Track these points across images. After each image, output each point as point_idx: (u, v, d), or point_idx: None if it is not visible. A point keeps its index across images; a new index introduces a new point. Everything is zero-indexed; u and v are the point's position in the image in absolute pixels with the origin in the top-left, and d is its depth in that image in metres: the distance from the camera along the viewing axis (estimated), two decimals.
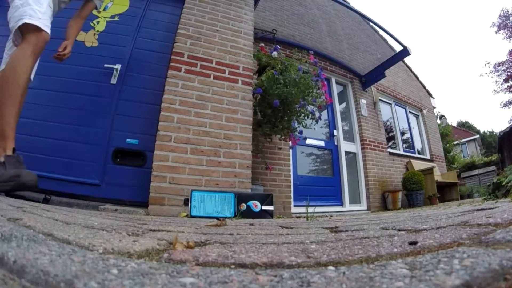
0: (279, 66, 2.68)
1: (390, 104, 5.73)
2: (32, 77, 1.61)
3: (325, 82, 3.12)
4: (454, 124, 27.07)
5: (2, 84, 1.34)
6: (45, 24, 1.45)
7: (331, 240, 0.48)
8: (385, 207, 4.39)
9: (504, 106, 16.49)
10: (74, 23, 1.94)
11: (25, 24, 1.38)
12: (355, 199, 4.30)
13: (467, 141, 22.22)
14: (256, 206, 1.35)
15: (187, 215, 1.24)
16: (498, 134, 11.11)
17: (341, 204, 4.11)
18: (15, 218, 0.52)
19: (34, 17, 1.41)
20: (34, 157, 2.02)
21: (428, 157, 6.01)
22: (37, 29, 1.41)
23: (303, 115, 2.77)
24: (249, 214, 1.34)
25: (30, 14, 1.40)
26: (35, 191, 1.90)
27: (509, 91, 16.04)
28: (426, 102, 6.73)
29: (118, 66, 2.29)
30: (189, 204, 1.26)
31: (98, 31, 2.41)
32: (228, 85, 2.37)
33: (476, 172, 11.17)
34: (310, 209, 1.23)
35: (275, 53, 2.82)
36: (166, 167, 1.96)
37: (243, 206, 1.34)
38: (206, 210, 1.27)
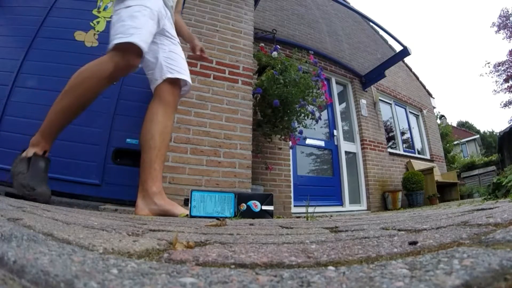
0: (279, 66, 2.68)
1: (390, 104, 5.74)
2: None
3: (325, 82, 3.13)
4: (454, 124, 27.06)
5: (68, 89, 1.22)
6: (141, 39, 1.20)
7: (331, 240, 0.48)
8: (385, 207, 4.39)
9: (504, 106, 16.51)
10: (178, 20, 1.76)
11: (115, 45, 1.20)
12: (355, 199, 4.30)
13: (467, 141, 22.22)
14: (256, 206, 1.35)
15: (187, 215, 1.24)
16: (498, 134, 11.10)
17: (341, 204, 4.11)
18: (15, 218, 0.52)
19: (125, 34, 1.19)
20: None
21: (428, 157, 6.01)
22: (125, 49, 1.19)
23: (303, 115, 2.77)
24: (249, 214, 1.34)
25: (121, 32, 1.20)
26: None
27: (509, 91, 16.05)
28: (426, 102, 6.74)
29: None
30: (189, 204, 1.26)
31: (98, 31, 2.41)
32: (228, 85, 2.37)
33: (476, 172, 11.17)
34: (310, 209, 1.23)
35: (275, 53, 2.82)
36: (166, 167, 1.96)
37: (243, 206, 1.34)
38: (206, 210, 1.27)
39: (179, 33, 1.78)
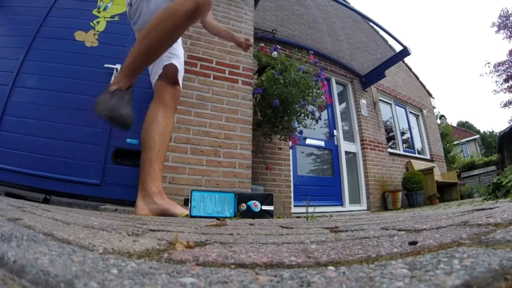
0: (279, 66, 2.68)
1: (390, 104, 5.73)
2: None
3: (325, 82, 3.13)
4: (454, 124, 27.06)
5: (148, 30, 1.16)
6: None
7: (331, 240, 0.48)
8: (385, 207, 4.39)
9: (504, 106, 16.50)
10: (212, 21, 1.79)
11: None
12: (355, 199, 4.30)
13: (467, 141, 22.21)
14: (256, 206, 1.35)
15: (187, 215, 1.24)
16: (498, 134, 11.10)
17: (341, 204, 4.11)
18: (15, 218, 0.52)
19: None
20: (34, 157, 2.02)
21: (428, 157, 6.01)
22: None
23: (303, 115, 2.77)
24: (249, 214, 1.34)
25: None
26: (36, 191, 1.90)
27: (509, 91, 16.05)
28: (426, 102, 6.74)
29: (118, 66, 2.29)
30: (189, 204, 1.26)
31: (98, 31, 2.41)
32: (228, 85, 2.37)
33: (476, 172, 11.17)
34: (310, 209, 1.23)
35: (275, 53, 2.82)
36: (166, 167, 1.96)
37: (243, 206, 1.34)
38: (206, 210, 1.27)
39: (217, 33, 1.81)
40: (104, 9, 2.50)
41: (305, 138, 3.24)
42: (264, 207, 1.37)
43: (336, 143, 4.37)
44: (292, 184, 3.47)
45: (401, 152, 5.39)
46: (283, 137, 2.91)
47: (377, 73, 4.75)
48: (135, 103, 2.26)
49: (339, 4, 4.17)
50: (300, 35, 4.35)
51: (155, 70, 1.47)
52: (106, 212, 1.54)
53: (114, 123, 1.14)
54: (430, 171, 4.83)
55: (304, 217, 1.21)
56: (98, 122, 2.17)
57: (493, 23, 16.37)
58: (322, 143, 4.26)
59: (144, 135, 1.36)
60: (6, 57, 2.25)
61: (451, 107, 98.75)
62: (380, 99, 5.29)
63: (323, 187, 4.07)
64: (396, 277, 0.22)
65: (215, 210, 1.29)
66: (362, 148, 4.53)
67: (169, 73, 1.44)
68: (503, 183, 2.73)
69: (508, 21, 15.79)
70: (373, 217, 1.28)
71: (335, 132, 4.41)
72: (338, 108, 4.62)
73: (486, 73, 20.95)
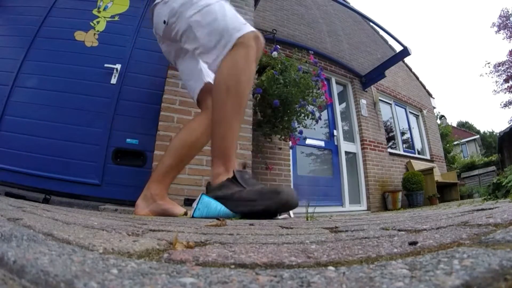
0: (279, 66, 2.68)
1: (390, 104, 5.73)
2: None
3: (325, 82, 3.13)
4: (454, 124, 27.08)
5: (224, 99, 1.12)
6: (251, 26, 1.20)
7: (331, 240, 0.48)
8: (385, 207, 4.39)
9: (504, 106, 16.51)
10: None
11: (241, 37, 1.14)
12: (355, 199, 4.30)
13: (467, 141, 22.23)
14: None
15: (185, 214, 1.24)
16: (498, 134, 11.10)
17: (341, 204, 4.11)
18: (15, 218, 0.52)
19: (243, 26, 1.16)
20: (34, 157, 2.02)
21: (428, 157, 6.01)
22: (252, 34, 1.17)
23: (303, 115, 2.77)
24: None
25: (238, 27, 1.16)
26: (36, 191, 1.90)
27: (509, 91, 16.05)
28: (426, 102, 6.74)
29: (118, 66, 2.29)
30: (195, 205, 1.26)
31: (98, 31, 2.41)
32: None
33: (476, 172, 11.19)
34: (310, 209, 1.23)
35: (275, 53, 2.82)
36: None
37: None
38: (208, 216, 1.27)
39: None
40: (104, 9, 2.50)
41: (305, 138, 3.24)
42: None
43: (336, 143, 4.37)
44: (292, 184, 3.47)
45: (401, 152, 5.39)
46: (283, 137, 2.91)
47: (377, 73, 4.75)
48: (136, 103, 2.27)
49: (339, 4, 4.18)
50: (300, 35, 4.35)
51: (195, 85, 1.43)
52: (106, 212, 1.54)
53: (281, 210, 1.08)
54: (430, 171, 4.83)
55: (304, 217, 1.21)
56: (98, 122, 2.18)
57: (493, 23, 16.39)
58: (322, 143, 4.26)
59: (177, 139, 1.33)
60: (6, 57, 2.25)
61: (451, 107, 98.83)
62: (380, 99, 5.30)
63: (323, 187, 4.07)
64: (396, 277, 0.22)
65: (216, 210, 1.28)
66: (362, 148, 4.54)
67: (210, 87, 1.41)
68: (503, 183, 2.73)
69: (508, 21, 15.80)
70: (373, 217, 1.28)
71: (335, 132, 4.41)
72: (338, 108, 4.62)
73: (486, 73, 20.92)
